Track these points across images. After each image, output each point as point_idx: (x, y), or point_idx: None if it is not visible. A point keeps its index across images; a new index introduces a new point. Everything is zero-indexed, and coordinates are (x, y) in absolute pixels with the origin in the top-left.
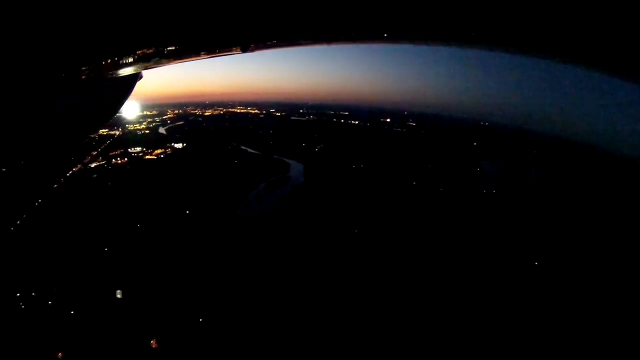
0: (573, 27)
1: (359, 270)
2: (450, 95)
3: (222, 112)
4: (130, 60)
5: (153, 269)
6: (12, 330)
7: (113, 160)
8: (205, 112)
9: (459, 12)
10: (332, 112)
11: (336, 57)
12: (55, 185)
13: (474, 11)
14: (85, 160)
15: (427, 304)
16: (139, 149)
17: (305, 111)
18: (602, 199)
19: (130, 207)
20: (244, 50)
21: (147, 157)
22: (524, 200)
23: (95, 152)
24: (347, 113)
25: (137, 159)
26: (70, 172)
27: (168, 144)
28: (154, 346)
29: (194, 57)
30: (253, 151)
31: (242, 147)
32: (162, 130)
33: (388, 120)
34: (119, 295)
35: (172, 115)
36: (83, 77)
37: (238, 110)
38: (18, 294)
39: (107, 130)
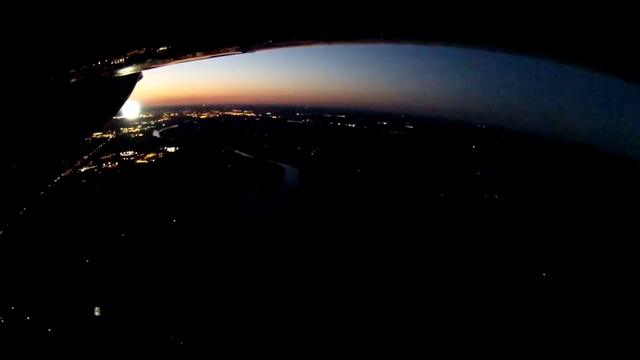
0: (573, 27)
1: (355, 286)
2: (447, 97)
3: (218, 115)
4: (122, 61)
5: (134, 284)
6: None
7: (104, 164)
8: (201, 116)
9: (459, 11)
10: (328, 115)
11: (334, 59)
12: (42, 192)
13: (473, 10)
14: (76, 165)
15: (431, 322)
16: (130, 152)
17: (301, 114)
18: (604, 202)
19: (115, 216)
20: (244, 50)
21: (138, 161)
22: (527, 205)
23: (87, 156)
24: (343, 116)
25: (128, 163)
26: (60, 177)
27: (160, 148)
28: None
29: (190, 57)
30: (247, 155)
31: (236, 151)
32: (156, 133)
33: (385, 123)
34: (97, 313)
35: (167, 119)
36: (73, 80)
37: (234, 114)
38: None
39: (101, 133)
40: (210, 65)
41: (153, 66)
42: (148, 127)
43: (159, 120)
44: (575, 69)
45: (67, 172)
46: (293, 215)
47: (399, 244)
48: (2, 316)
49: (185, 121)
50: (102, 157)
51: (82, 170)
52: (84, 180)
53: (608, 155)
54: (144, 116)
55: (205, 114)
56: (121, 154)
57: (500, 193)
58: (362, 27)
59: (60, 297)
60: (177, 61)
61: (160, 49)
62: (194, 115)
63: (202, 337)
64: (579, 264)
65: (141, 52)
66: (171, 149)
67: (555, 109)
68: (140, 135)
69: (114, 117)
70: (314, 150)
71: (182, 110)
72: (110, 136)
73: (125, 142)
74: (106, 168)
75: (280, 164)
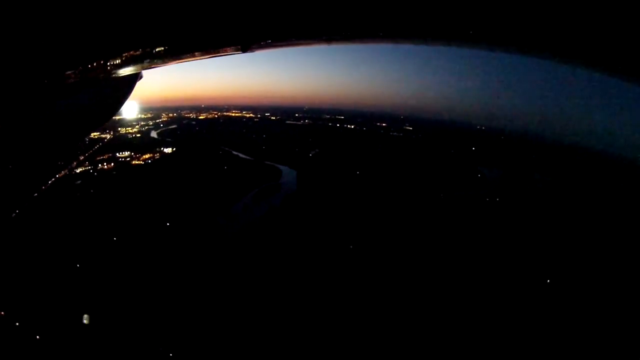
0: (573, 27)
1: (354, 292)
2: (447, 98)
3: (216, 116)
4: (119, 62)
5: (123, 290)
6: None
7: (100, 165)
8: (200, 116)
9: (459, 11)
10: (327, 116)
11: (334, 60)
12: (36, 194)
13: (473, 10)
14: (72, 165)
15: (432, 327)
16: (127, 153)
17: (300, 115)
18: (605, 203)
19: (109, 218)
20: (244, 50)
21: (134, 162)
22: (528, 208)
23: (83, 157)
24: (342, 117)
25: (123, 164)
26: (55, 178)
27: (157, 149)
28: None
29: (190, 57)
30: (245, 157)
31: (234, 153)
32: (154, 134)
33: (384, 124)
34: (85, 321)
35: (166, 119)
36: (70, 81)
37: (233, 114)
38: None
39: (98, 133)
40: (210, 66)
41: (152, 66)
42: (146, 127)
43: (158, 121)
44: (575, 69)
45: (62, 173)
46: (290, 218)
47: (399, 248)
48: None
49: (184, 122)
50: (98, 158)
51: (78, 171)
52: (78, 182)
53: (608, 156)
54: (143, 116)
55: (204, 114)
56: (117, 154)
57: (501, 195)
58: (361, 27)
59: (50, 303)
60: (176, 61)
61: (158, 49)
62: (193, 115)
63: (193, 346)
64: (579, 265)
65: (138, 53)
66: (168, 150)
67: (555, 111)
68: (138, 135)
69: (113, 117)
70: (313, 152)
71: (181, 111)
72: (108, 136)
73: (123, 142)
74: (102, 169)
75: (278, 165)
